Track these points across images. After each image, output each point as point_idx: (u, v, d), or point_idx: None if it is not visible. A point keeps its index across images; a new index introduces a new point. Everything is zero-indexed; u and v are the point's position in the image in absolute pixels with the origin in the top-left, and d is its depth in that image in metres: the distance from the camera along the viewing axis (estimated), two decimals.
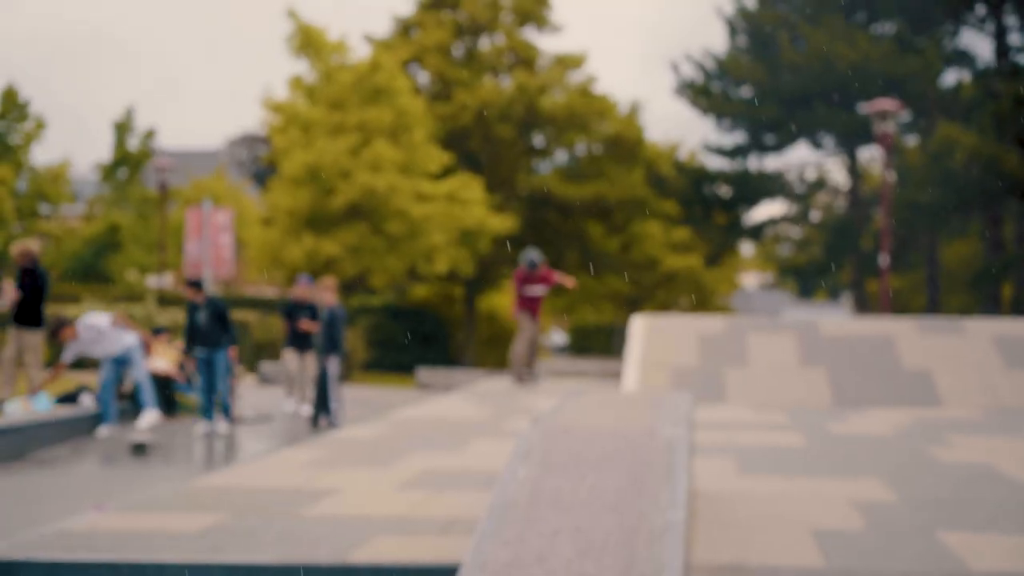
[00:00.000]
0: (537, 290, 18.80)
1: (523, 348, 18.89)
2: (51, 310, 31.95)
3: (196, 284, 16.33)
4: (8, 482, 11.27)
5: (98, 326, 16.25)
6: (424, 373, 27.37)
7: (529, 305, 18.85)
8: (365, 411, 17.98)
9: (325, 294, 15.97)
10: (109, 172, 55.70)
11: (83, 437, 15.93)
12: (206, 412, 15.95)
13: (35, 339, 16.75)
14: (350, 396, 22.22)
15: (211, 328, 15.96)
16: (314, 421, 15.89)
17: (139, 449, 12.70)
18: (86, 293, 36.15)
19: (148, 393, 16.33)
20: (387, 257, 37.49)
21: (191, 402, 17.79)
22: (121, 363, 16.31)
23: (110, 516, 7.54)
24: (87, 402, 17.15)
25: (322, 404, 15.82)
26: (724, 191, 49.50)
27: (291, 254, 36.39)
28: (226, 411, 16.30)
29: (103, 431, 15.85)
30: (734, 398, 15.63)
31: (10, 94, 52.34)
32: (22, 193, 52.30)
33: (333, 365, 15.86)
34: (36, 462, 14.22)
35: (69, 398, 17.29)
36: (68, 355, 16.26)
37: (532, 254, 18.75)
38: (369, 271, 37.91)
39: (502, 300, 50.17)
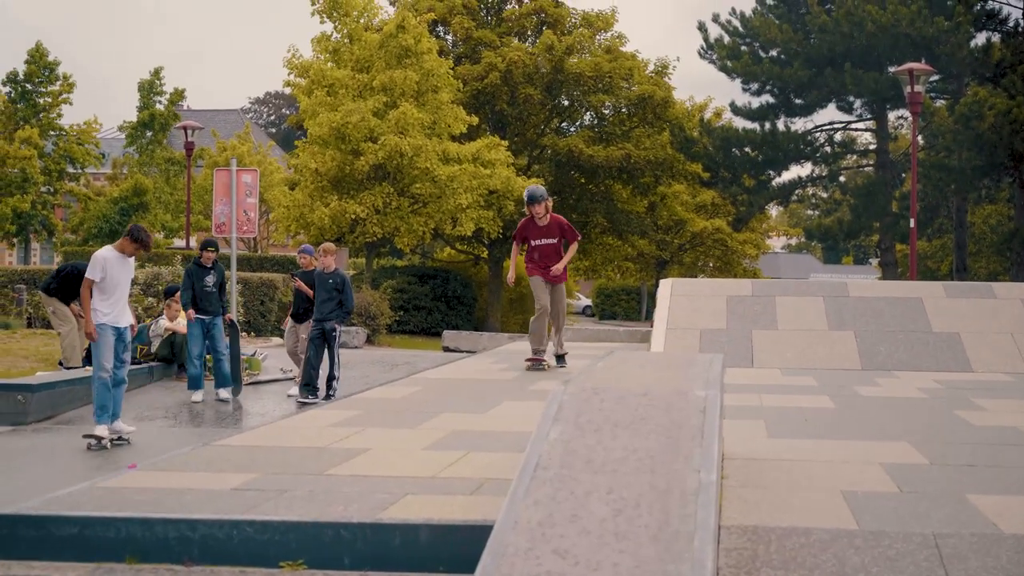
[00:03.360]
0: (547, 242, 14.66)
1: (538, 326, 14.86)
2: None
3: (212, 246, 16.32)
4: (39, 440, 11.35)
5: None
6: (450, 336, 27.38)
7: (540, 263, 14.68)
8: (392, 373, 18.02)
9: (326, 259, 15.79)
10: (135, 133, 55.79)
11: None
12: (198, 381, 15.92)
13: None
14: (376, 357, 22.26)
15: (215, 293, 16.00)
16: (311, 390, 15.44)
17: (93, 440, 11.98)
18: None
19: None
20: (413, 218, 37.47)
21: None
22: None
23: (142, 474, 7.59)
24: None
25: (323, 374, 15.60)
26: (752, 153, 49.22)
27: (317, 215, 36.41)
28: (227, 377, 16.09)
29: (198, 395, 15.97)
30: (762, 361, 15.59)
31: (39, 53, 52.37)
32: (49, 154, 52.43)
33: (338, 331, 15.73)
34: (66, 421, 14.32)
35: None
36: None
37: (534, 189, 14.66)
38: (395, 232, 37.90)
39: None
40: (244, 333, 26.91)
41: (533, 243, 14.57)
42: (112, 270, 12.17)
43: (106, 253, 12.31)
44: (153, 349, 17.87)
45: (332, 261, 15.75)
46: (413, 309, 40.54)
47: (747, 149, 49.07)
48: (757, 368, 15.15)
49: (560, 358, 15.23)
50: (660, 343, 16.20)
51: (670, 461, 4.86)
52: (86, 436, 12.12)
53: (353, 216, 36.55)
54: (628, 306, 68.85)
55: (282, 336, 20.47)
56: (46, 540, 6.27)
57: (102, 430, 12.02)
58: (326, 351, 15.50)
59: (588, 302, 72.19)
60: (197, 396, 15.77)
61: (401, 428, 9.65)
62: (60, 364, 17.82)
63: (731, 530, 5.64)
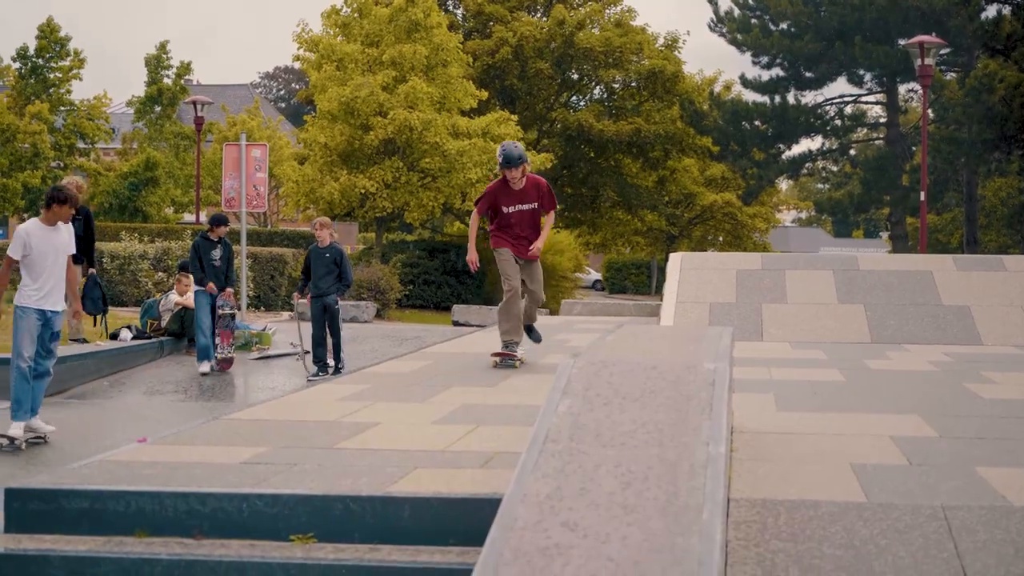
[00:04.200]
0: (523, 208, 12.06)
1: (509, 312, 12.21)
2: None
3: (221, 220, 16.36)
4: (50, 414, 11.37)
5: None
6: (459, 310, 27.39)
7: (513, 234, 12.08)
8: (401, 347, 18.04)
9: (322, 232, 15.70)
10: (143, 108, 55.76)
11: (122, 371, 16.07)
12: (207, 352, 15.93)
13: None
14: (385, 331, 22.29)
15: (224, 269, 16.06)
16: (322, 366, 15.38)
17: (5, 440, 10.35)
18: (123, 230, 36.30)
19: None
20: (422, 193, 37.44)
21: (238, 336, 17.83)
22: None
23: (152, 448, 7.61)
24: (127, 338, 17.32)
25: (330, 347, 15.52)
26: (762, 127, 49.08)
27: (326, 190, 36.41)
28: (210, 352, 16.11)
29: (204, 367, 15.90)
30: (772, 335, 15.59)
31: (49, 28, 52.33)
32: (60, 129, 52.42)
33: (339, 304, 15.68)
34: (77, 395, 14.36)
35: (112, 335, 17.49)
36: None
37: (511, 148, 11.95)
38: (404, 207, 37.89)
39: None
40: (253, 308, 26.96)
41: (506, 210, 11.97)
42: (40, 245, 10.66)
43: (29, 227, 10.84)
44: (164, 323, 17.90)
45: (327, 235, 15.64)
46: (423, 283, 40.53)
47: (757, 122, 48.92)
48: (767, 342, 15.15)
49: (530, 329, 12.75)
50: (669, 317, 16.20)
51: (679, 434, 4.86)
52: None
53: (363, 191, 36.54)
54: (638, 280, 68.82)
55: (291, 310, 20.47)
56: (57, 514, 6.29)
57: (16, 428, 10.46)
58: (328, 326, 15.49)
59: (598, 276, 72.15)
60: (204, 367, 15.79)
61: (410, 402, 9.67)
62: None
63: (740, 503, 5.65)
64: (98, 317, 17.09)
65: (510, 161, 11.76)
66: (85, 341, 16.42)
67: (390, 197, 37.11)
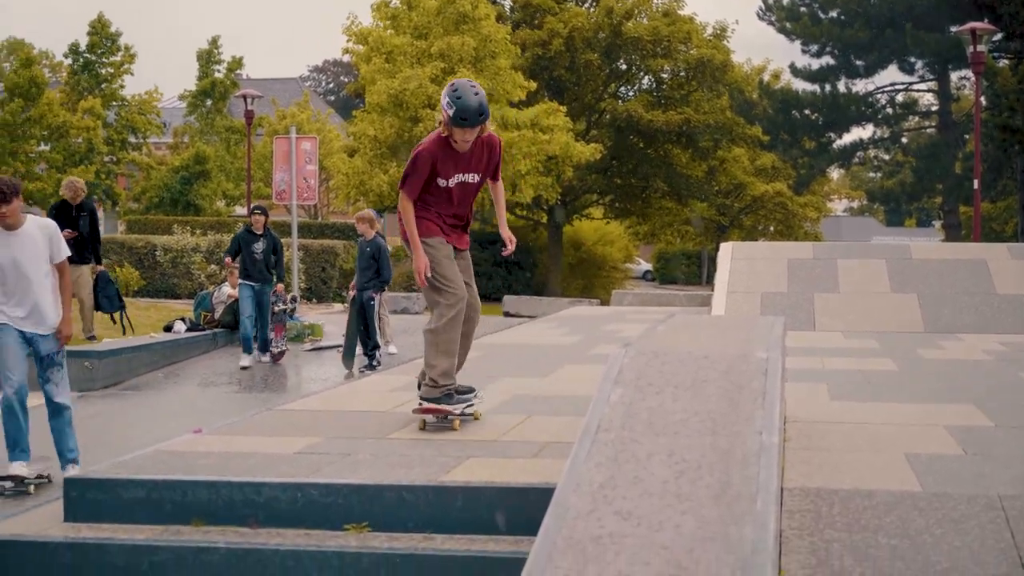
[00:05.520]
0: (467, 180, 8.00)
1: (452, 334, 7.92)
2: (144, 240, 32.36)
3: (261, 211, 16.30)
4: (106, 406, 11.50)
5: None
6: (510, 301, 27.41)
7: (449, 216, 8.08)
8: None
9: (361, 226, 15.67)
10: (195, 102, 56.12)
11: (176, 363, 16.21)
12: (248, 344, 15.99)
13: (87, 275, 16.66)
14: None
15: (265, 261, 15.99)
16: (351, 356, 15.41)
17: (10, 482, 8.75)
18: (175, 223, 36.57)
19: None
20: None
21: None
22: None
23: (207, 438, 7.68)
24: (181, 330, 17.48)
25: (369, 340, 15.56)
26: (812, 116, 48.74)
27: (376, 182, 36.52)
28: (266, 343, 16.22)
29: (246, 359, 15.93)
30: (824, 324, 15.49)
31: (100, 24, 52.76)
32: (112, 124, 52.85)
33: (377, 299, 15.66)
34: (132, 387, 14.51)
35: (166, 327, 17.68)
36: None
37: (481, 100, 7.59)
38: None
39: (587, 227, 49.91)
40: (305, 300, 27.10)
41: (443, 183, 7.88)
42: (2, 257, 8.77)
43: None
44: (217, 315, 18.04)
45: (368, 228, 15.61)
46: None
47: (807, 111, 48.63)
48: (819, 331, 15.06)
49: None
50: (721, 307, 16.14)
51: (731, 423, 4.85)
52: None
53: None
54: (688, 270, 68.62)
55: (343, 303, 20.55)
56: (115, 503, 6.37)
57: (19, 467, 8.80)
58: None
59: (648, 266, 71.93)
60: (244, 361, 15.87)
61: None
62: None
63: (793, 492, 5.64)
64: (116, 315, 16.92)
65: (470, 118, 7.54)
66: (94, 339, 16.37)
67: None
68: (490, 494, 6.00)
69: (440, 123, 7.77)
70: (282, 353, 16.47)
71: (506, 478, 6.20)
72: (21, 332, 8.83)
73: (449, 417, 7.86)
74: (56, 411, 9.09)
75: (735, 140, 50.34)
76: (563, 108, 40.08)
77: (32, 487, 8.73)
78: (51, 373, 9.05)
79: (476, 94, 7.55)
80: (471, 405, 8.02)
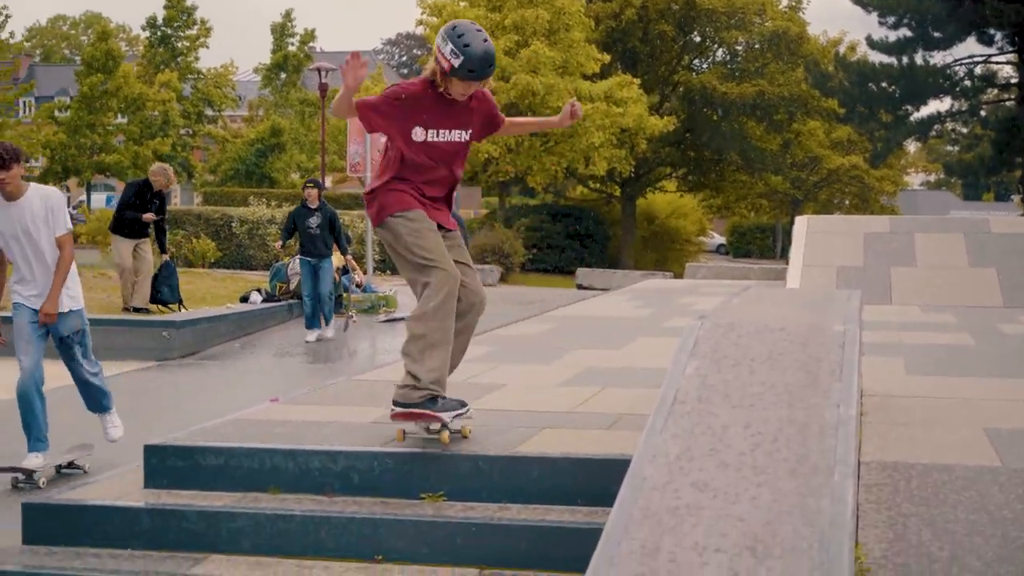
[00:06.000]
0: (454, 140, 6.48)
1: (443, 323, 6.33)
2: (220, 212, 32.69)
3: (315, 184, 16.13)
4: (184, 375, 11.65)
5: None
6: (583, 273, 27.40)
7: (428, 185, 6.49)
8: (526, 310, 18.12)
9: None
10: (269, 75, 56.52)
11: (252, 334, 16.38)
12: (311, 320, 16.00)
13: (151, 254, 16.68)
14: (509, 295, 22.37)
15: (322, 236, 15.87)
16: None
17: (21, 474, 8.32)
18: (251, 195, 36.88)
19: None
20: (545, 157, 37.46)
21: (357, 300, 18.07)
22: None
23: (283, 407, 7.75)
24: (257, 301, 17.66)
25: None
26: (888, 88, 48.10)
27: None
28: (328, 317, 16.24)
29: (311, 335, 15.96)
30: (901, 298, 15.34)
31: None
32: (188, 97, 53.37)
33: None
34: (209, 356, 14.69)
35: (242, 298, 17.88)
36: None
37: (476, 39, 6.12)
38: (527, 171, 37.94)
39: (660, 200, 49.71)
40: (379, 271, 27.24)
41: (420, 136, 6.30)
42: (1, 228, 8.33)
43: None
44: (292, 287, 18.19)
45: None
46: (546, 247, 40.59)
47: (884, 84, 47.94)
48: (895, 305, 14.91)
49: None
50: (796, 280, 16.02)
51: (808, 396, 4.83)
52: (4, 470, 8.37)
53: (486, 155, 36.66)
54: (762, 244, 68.13)
55: None
56: (193, 470, 6.46)
57: (32, 459, 8.34)
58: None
59: (722, 240, 71.51)
60: (309, 336, 15.93)
61: (536, 364, 9.71)
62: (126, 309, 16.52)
63: (870, 466, 5.60)
64: (173, 306, 16.70)
65: (478, 69, 6.12)
66: (137, 310, 16.18)
67: (513, 161, 37.19)
68: (565, 465, 6.01)
69: (434, 72, 6.18)
70: (346, 324, 16.59)
71: (581, 449, 6.21)
72: (32, 310, 8.36)
73: (437, 427, 6.35)
74: (84, 383, 8.72)
75: (810, 113, 49.89)
76: (637, 81, 39.94)
77: (42, 480, 8.22)
78: (73, 352, 8.59)
79: (484, 40, 6.14)
80: (461, 415, 6.39)
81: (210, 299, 18.60)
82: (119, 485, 6.69)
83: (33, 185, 8.45)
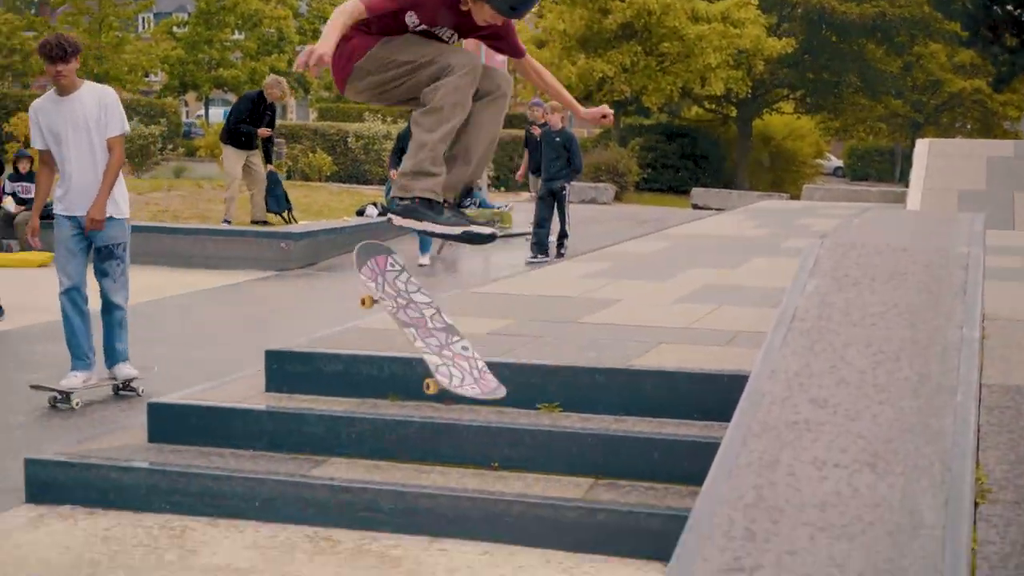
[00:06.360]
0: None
1: (445, 101, 4.76)
2: (335, 128, 32.93)
3: None
4: (303, 284, 11.84)
5: None
6: (698, 193, 27.21)
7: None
8: (640, 228, 18.08)
9: (553, 117, 15.55)
10: None
11: None
12: (425, 243, 15.85)
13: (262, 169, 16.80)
14: (624, 213, 22.32)
15: None
16: (540, 248, 15.40)
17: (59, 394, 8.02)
18: (367, 111, 37.08)
19: None
20: (661, 77, 37.12)
21: (472, 215, 18.09)
22: None
23: None
24: (373, 214, 17.85)
25: (561, 229, 15.55)
26: (1014, 11, 46.76)
27: (564, 74, 36.40)
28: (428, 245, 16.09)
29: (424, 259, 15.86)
30: None
31: None
32: (303, 14, 53.62)
33: (567, 191, 15.57)
34: (326, 268, 14.92)
35: (359, 211, 18.09)
36: None
37: None
38: (642, 91, 37.64)
39: (777, 122, 49.08)
40: (494, 188, 27.31)
41: (412, 22, 4.81)
42: (50, 124, 7.96)
43: (38, 101, 8.15)
44: None
45: (559, 119, 15.53)
46: (660, 167, 40.31)
47: (1009, 7, 46.60)
48: (1019, 230, 14.63)
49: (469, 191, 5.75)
50: (916, 204, 15.78)
51: (931, 317, 4.79)
52: (37, 387, 8.12)
53: (600, 75, 36.43)
54: (881, 167, 66.90)
55: (529, 190, 20.62)
56: (313, 375, 6.59)
57: (72, 380, 8.12)
58: (555, 210, 15.45)
59: (839, 163, 70.36)
60: (423, 259, 15.88)
61: (651, 281, 9.71)
62: (225, 222, 16.58)
63: (992, 388, 5.54)
64: (284, 214, 16.87)
65: (520, 6, 4.75)
66: (266, 223, 16.37)
67: (628, 81, 36.91)
68: (681, 379, 6.03)
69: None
70: (440, 246, 16.45)
71: (697, 365, 6.23)
72: (72, 218, 7.97)
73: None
74: (107, 308, 8.15)
75: (932, 35, 48.76)
76: (754, 1, 39.29)
77: (76, 402, 7.97)
78: (108, 266, 8.10)
79: None
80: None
81: (327, 212, 18.80)
82: (241, 388, 6.85)
83: (88, 83, 8.14)
